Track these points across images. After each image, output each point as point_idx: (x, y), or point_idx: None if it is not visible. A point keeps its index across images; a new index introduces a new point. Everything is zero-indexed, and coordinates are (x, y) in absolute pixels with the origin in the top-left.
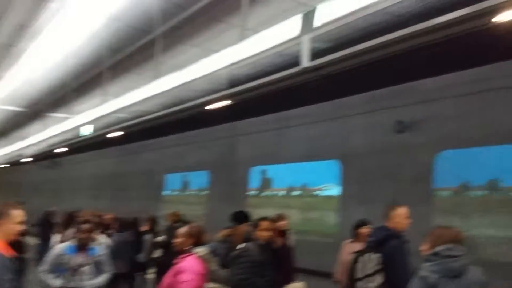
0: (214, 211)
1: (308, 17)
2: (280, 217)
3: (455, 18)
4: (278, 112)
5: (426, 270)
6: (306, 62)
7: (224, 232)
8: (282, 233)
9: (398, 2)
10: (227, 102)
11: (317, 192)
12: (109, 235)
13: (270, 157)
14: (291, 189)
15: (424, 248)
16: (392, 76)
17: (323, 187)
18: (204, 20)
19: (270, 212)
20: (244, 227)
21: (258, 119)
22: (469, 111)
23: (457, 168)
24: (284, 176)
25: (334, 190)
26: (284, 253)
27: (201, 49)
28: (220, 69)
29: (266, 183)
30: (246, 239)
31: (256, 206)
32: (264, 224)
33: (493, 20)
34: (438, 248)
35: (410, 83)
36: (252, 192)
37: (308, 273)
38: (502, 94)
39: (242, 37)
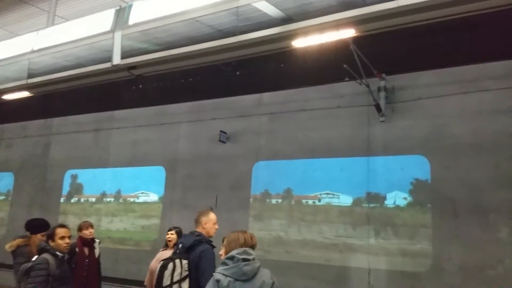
0: (19, 218)
1: (122, 13)
2: (86, 225)
3: (263, 36)
4: (100, 112)
5: (220, 274)
6: (117, 59)
7: (16, 241)
8: (89, 242)
9: (210, 14)
10: (26, 93)
11: (140, 198)
12: None
13: (89, 161)
14: (105, 195)
15: (221, 252)
16: (216, 89)
17: (144, 193)
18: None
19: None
20: (40, 237)
21: (76, 118)
22: (280, 128)
23: (267, 177)
24: (104, 181)
25: (157, 196)
26: (90, 264)
27: (6, 31)
28: (21, 55)
29: (79, 189)
30: (41, 250)
31: (70, 213)
32: (61, 231)
33: (293, 43)
34: (233, 252)
35: (234, 97)
36: (65, 198)
37: (127, 282)
38: (309, 115)
39: (50, 23)
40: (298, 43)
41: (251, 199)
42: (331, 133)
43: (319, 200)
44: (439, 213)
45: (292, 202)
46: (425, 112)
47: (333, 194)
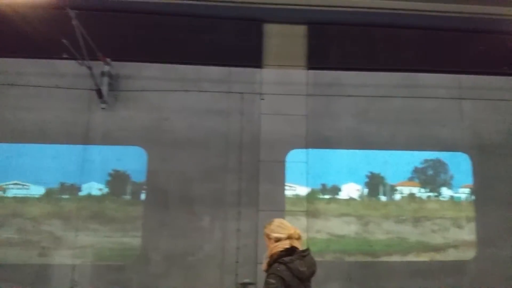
0: None
1: None
2: None
3: None
4: None
5: None
6: None
7: None
8: None
9: None
10: None
11: None
12: None
13: None
14: None
15: None
16: None
17: None
18: None
19: None
20: None
21: None
22: None
23: None
24: None
25: None
26: None
27: None
28: None
29: None
30: None
31: None
32: None
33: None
34: None
35: None
36: None
37: None
38: (21, 91)
39: None
40: None
41: None
42: (47, 115)
43: (4, 192)
44: (151, 204)
45: None
46: (147, 104)
47: (23, 185)
